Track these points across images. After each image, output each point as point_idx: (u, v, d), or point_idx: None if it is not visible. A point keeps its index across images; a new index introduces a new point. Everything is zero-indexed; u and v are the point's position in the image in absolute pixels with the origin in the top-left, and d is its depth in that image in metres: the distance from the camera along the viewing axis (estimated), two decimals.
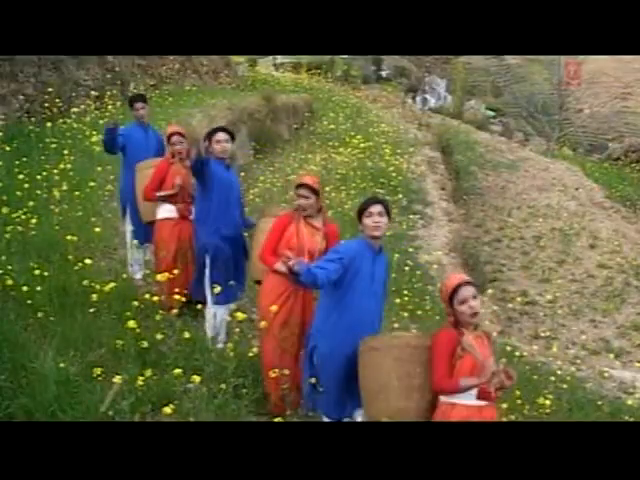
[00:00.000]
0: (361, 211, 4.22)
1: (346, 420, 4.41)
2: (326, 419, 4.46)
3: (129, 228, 6.81)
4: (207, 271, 5.48)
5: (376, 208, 4.17)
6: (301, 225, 4.76)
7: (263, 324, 4.74)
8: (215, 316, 5.58)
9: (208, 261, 5.47)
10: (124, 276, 5.96)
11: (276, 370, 4.53)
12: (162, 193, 5.97)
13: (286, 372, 4.55)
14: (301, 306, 4.81)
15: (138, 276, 6.70)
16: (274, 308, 4.69)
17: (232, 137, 5.57)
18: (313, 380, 4.38)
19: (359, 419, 4.41)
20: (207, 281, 5.49)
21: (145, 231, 6.54)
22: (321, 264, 4.09)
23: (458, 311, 3.77)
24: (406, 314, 7.48)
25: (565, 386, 7.21)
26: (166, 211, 6.02)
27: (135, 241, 6.72)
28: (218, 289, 5.11)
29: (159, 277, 5.85)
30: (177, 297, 5.12)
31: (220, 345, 5.39)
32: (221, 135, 5.49)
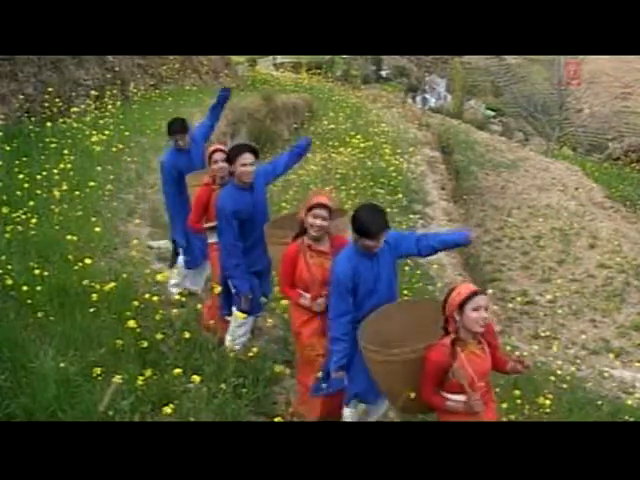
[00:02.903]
0: (367, 235, 4.12)
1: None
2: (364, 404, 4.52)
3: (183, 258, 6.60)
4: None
5: (385, 234, 4.15)
6: (307, 257, 4.58)
7: (305, 353, 4.76)
8: (241, 326, 5.39)
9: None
10: (124, 276, 5.96)
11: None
12: (208, 225, 5.71)
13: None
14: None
15: (174, 290, 6.48)
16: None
17: (257, 156, 5.18)
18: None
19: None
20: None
21: (196, 255, 6.41)
22: (336, 326, 4.27)
23: (468, 318, 3.69)
24: None
25: (565, 386, 7.21)
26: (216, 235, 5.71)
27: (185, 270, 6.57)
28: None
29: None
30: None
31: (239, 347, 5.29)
32: (248, 157, 5.06)
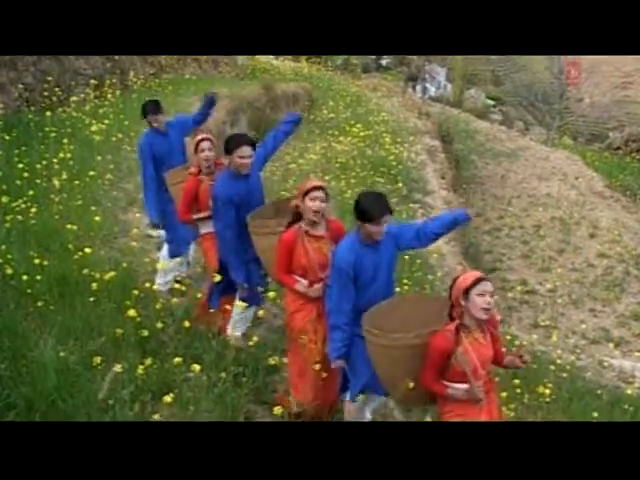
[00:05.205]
0: (370, 218, 4.14)
1: None
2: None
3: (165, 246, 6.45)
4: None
5: (386, 219, 4.16)
6: (305, 242, 4.60)
7: (297, 340, 4.72)
8: (241, 317, 5.43)
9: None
10: (124, 265, 5.96)
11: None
12: (198, 216, 5.67)
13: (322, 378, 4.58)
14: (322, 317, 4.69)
15: (164, 288, 6.28)
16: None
17: (254, 147, 5.16)
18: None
19: None
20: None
21: (179, 243, 6.30)
22: (335, 306, 4.29)
23: (473, 303, 3.73)
24: None
25: (565, 375, 7.21)
26: (208, 226, 5.66)
27: (168, 260, 6.34)
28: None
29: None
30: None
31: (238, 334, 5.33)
32: (246, 150, 5.04)
